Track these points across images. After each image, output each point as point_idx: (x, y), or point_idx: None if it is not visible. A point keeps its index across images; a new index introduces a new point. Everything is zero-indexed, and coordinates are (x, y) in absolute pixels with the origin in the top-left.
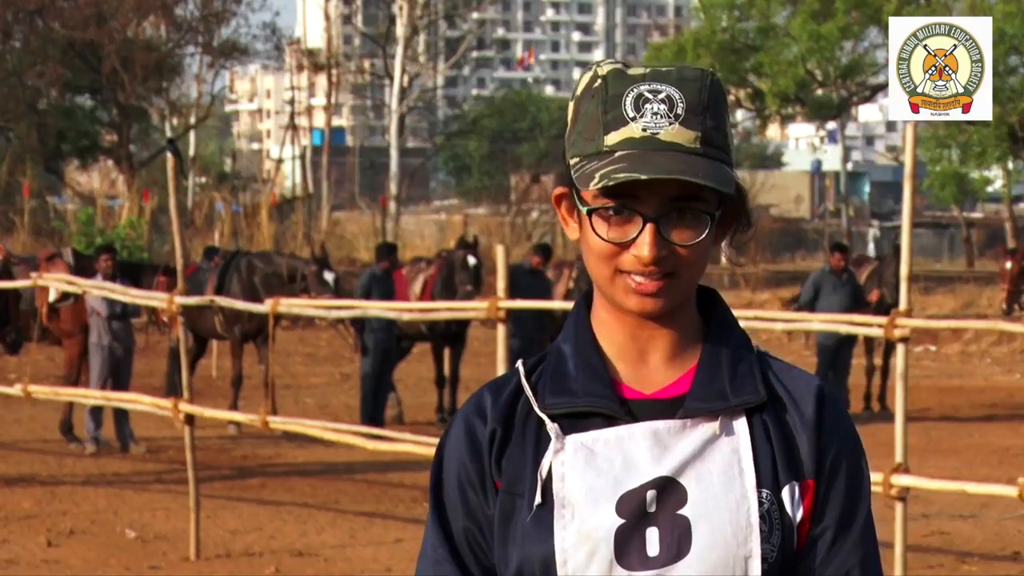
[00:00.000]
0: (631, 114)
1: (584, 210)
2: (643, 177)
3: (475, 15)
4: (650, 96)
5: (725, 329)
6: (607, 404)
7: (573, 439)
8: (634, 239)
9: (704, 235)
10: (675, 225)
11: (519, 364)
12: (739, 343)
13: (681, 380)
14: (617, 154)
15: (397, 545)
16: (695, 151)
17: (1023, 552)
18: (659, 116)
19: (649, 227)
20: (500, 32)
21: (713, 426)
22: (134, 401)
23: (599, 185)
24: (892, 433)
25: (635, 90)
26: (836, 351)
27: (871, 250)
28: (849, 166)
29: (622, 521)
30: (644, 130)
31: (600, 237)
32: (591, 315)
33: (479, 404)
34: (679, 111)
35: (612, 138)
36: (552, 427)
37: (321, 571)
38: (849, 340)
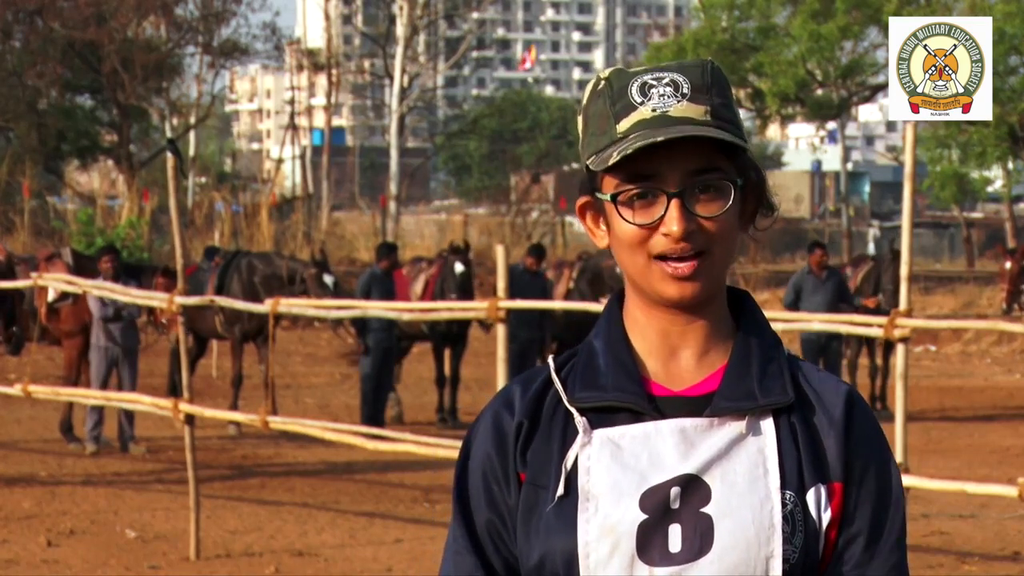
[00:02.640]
0: (639, 99)
1: (607, 197)
2: (659, 139)
3: (475, 15)
4: (654, 83)
5: (756, 329)
6: (635, 400)
7: (600, 433)
8: (661, 218)
9: (729, 205)
10: (699, 199)
11: (550, 358)
12: (769, 344)
13: (710, 378)
14: (631, 136)
15: (397, 545)
16: (707, 123)
17: (1023, 552)
18: (666, 97)
19: (674, 202)
20: (500, 32)
21: (740, 425)
22: (134, 401)
23: (616, 159)
24: (892, 433)
25: (639, 79)
26: (822, 347)
27: (871, 250)
28: (849, 166)
29: (645, 516)
30: (654, 110)
31: (627, 221)
32: (623, 312)
33: (508, 397)
34: (685, 91)
35: (624, 124)
36: (580, 420)
37: (321, 571)
38: (835, 336)
